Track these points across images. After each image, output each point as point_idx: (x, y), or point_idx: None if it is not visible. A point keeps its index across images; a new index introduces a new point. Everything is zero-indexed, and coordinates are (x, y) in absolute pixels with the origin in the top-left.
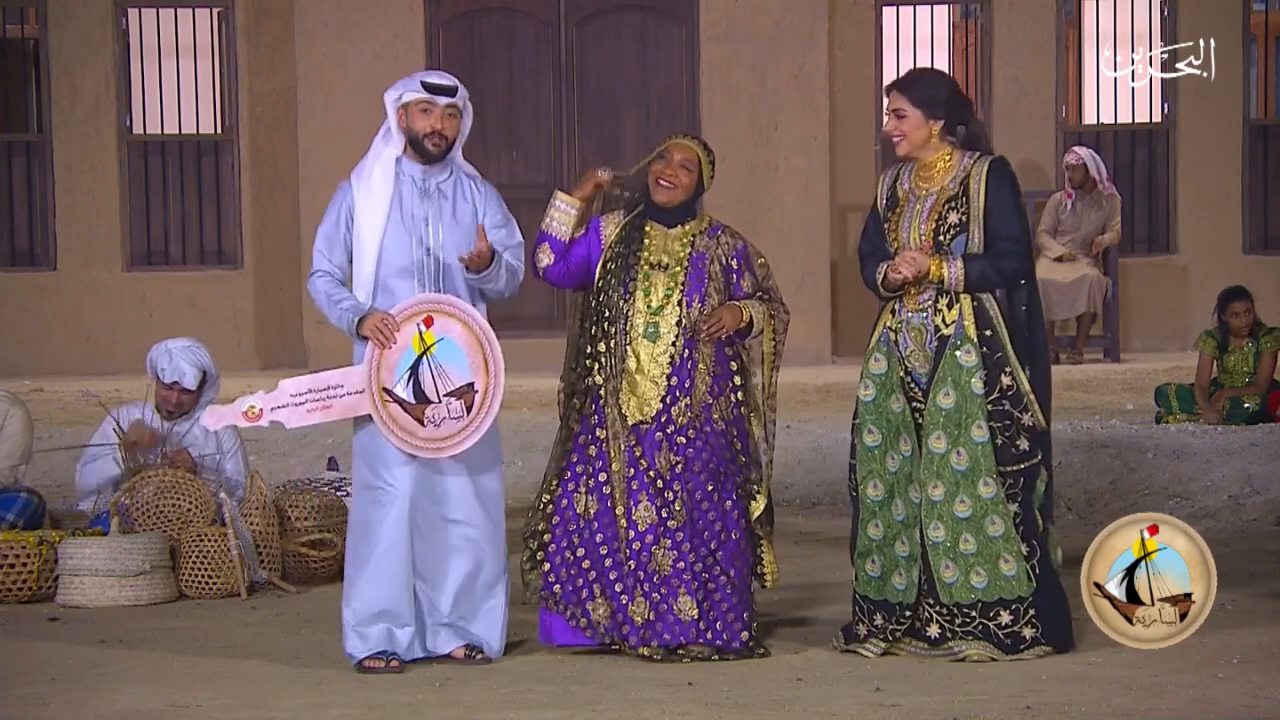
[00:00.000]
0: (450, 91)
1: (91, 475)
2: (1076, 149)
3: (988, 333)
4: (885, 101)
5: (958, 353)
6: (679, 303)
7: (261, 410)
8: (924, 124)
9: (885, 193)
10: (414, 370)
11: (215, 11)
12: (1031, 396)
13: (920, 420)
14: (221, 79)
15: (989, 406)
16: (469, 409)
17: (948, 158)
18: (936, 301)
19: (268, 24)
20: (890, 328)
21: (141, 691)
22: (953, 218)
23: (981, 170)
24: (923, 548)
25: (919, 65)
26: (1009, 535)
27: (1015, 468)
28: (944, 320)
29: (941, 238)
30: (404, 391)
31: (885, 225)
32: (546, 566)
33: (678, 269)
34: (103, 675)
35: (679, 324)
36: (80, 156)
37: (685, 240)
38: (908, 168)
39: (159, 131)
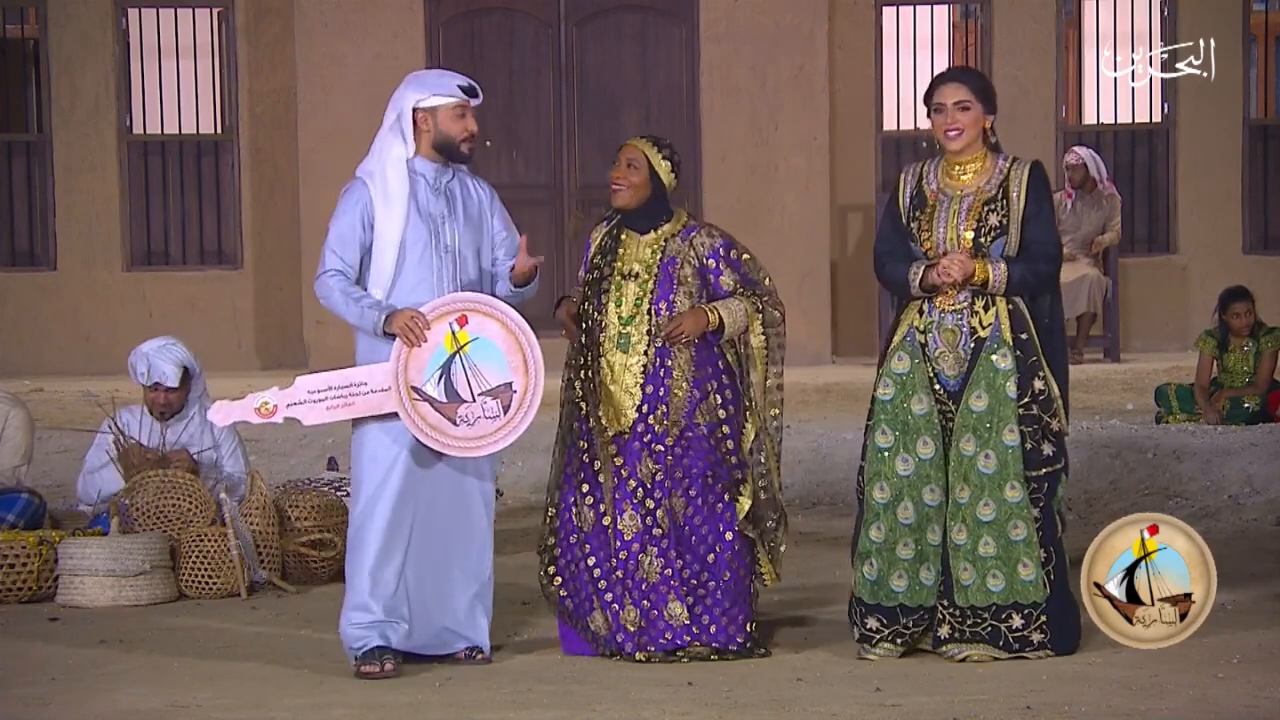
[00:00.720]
0: (477, 92)
1: (93, 488)
2: (1076, 149)
3: (1023, 336)
4: (936, 95)
5: (994, 356)
6: (648, 311)
7: (276, 406)
8: (983, 118)
9: (910, 191)
10: (445, 369)
11: (215, 11)
12: (1060, 401)
13: (946, 423)
14: (221, 79)
15: (1020, 411)
16: (506, 408)
17: (982, 158)
18: (973, 303)
19: (268, 24)
20: (918, 328)
21: (141, 691)
22: (993, 220)
23: (1022, 174)
24: (944, 549)
25: (919, 65)
26: (1030, 540)
27: (1040, 472)
28: (980, 322)
29: (982, 239)
30: (435, 390)
31: (912, 225)
32: (559, 580)
33: (647, 277)
34: (103, 675)
35: (649, 333)
36: (80, 156)
37: (657, 246)
38: (931, 166)
39: (159, 131)
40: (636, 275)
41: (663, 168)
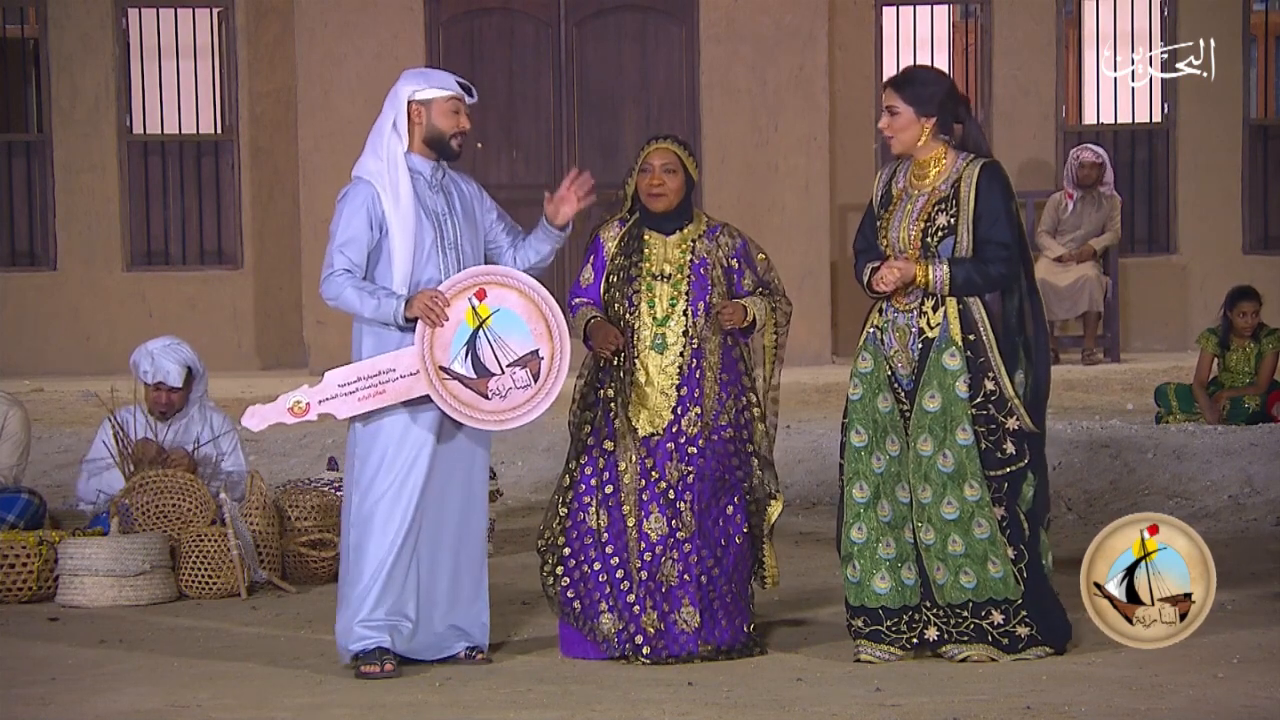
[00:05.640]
0: (473, 92)
1: (94, 487)
2: (1094, 147)
3: (971, 337)
4: (883, 99)
5: (942, 356)
6: (684, 312)
7: (309, 404)
8: (915, 122)
9: (881, 190)
10: (470, 344)
11: (215, 11)
12: (1016, 400)
13: (906, 422)
14: (221, 79)
15: (973, 410)
16: (536, 376)
17: (941, 158)
18: (922, 304)
19: (268, 24)
20: (877, 326)
21: (141, 691)
22: (941, 220)
23: (973, 173)
24: (917, 551)
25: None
26: (995, 538)
27: (1000, 472)
28: (928, 323)
29: (929, 239)
30: (462, 367)
31: (878, 223)
32: (566, 581)
33: (680, 277)
34: (103, 675)
35: (685, 334)
36: (80, 156)
37: (685, 246)
38: (904, 166)
39: (159, 131)
40: (669, 276)
41: (693, 169)
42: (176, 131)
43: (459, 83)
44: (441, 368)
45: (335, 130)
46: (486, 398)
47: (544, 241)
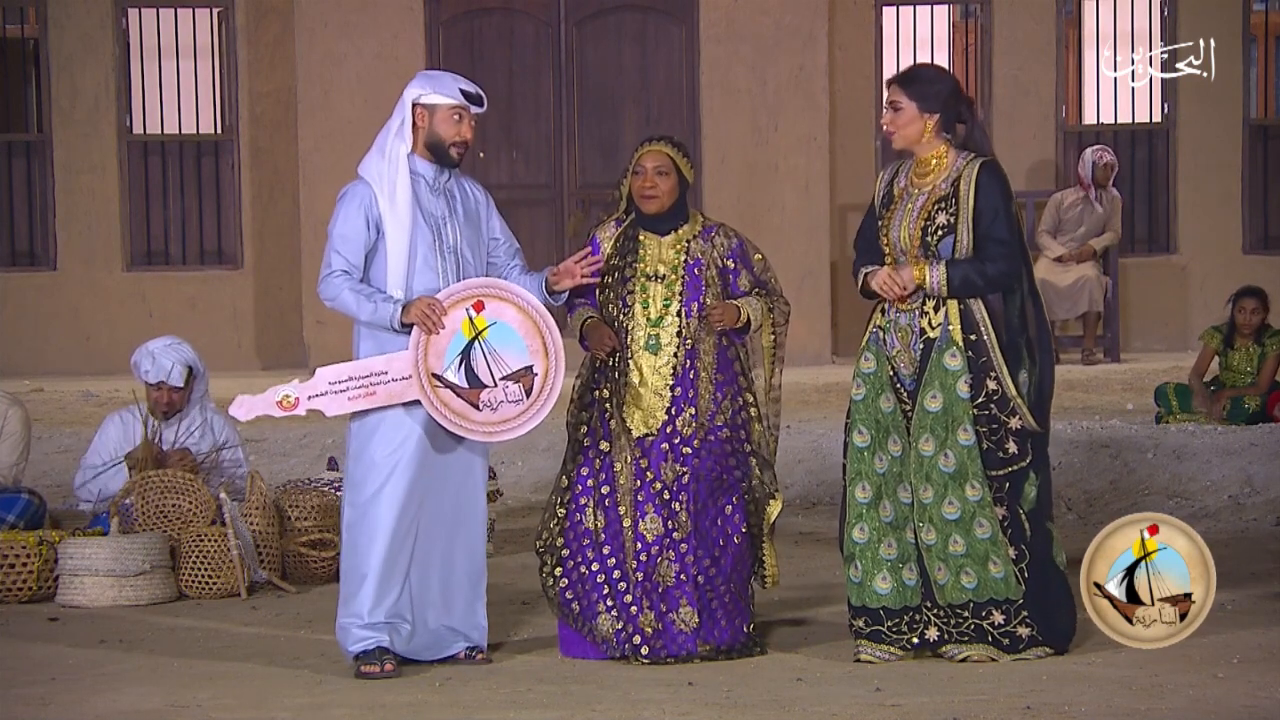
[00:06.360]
0: (482, 102)
1: (94, 486)
2: (1104, 147)
3: (972, 337)
4: (885, 94)
5: (944, 356)
6: (678, 313)
7: (298, 399)
8: (918, 118)
9: (883, 189)
10: (465, 355)
11: (215, 11)
12: (1019, 400)
13: (909, 422)
14: (221, 79)
15: (974, 410)
16: (528, 392)
17: (942, 156)
18: (924, 304)
19: (268, 24)
20: (880, 326)
21: (141, 691)
22: (941, 219)
23: (972, 172)
24: (919, 551)
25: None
26: (996, 538)
27: (1002, 471)
28: (930, 323)
29: (929, 238)
30: (455, 376)
31: (879, 223)
32: (564, 582)
33: (674, 278)
34: (103, 675)
35: (679, 334)
36: (80, 156)
37: (679, 247)
38: (906, 165)
39: (159, 131)
40: (662, 277)
41: (684, 166)
42: (176, 131)
43: (464, 92)
44: (434, 375)
45: (335, 130)
46: (477, 408)
47: (536, 294)
